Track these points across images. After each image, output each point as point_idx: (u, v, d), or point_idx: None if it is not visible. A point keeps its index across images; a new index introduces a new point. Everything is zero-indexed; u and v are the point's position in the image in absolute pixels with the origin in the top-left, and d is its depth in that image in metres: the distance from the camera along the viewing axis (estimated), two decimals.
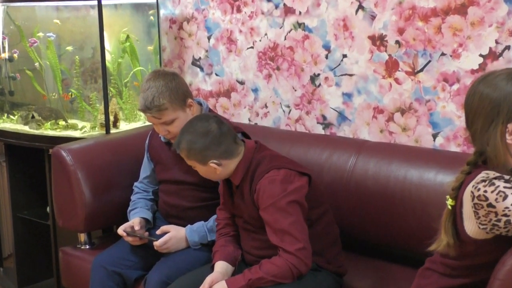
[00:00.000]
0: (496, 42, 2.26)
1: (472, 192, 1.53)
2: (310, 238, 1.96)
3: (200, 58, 3.18)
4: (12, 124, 3.15)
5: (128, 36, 3.09)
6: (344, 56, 2.66)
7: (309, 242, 1.95)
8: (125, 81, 3.12)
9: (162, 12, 3.25)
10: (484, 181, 1.52)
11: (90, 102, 3.06)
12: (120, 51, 3.10)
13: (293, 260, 1.91)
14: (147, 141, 2.55)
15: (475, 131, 1.60)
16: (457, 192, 1.60)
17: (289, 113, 2.90)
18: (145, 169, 2.56)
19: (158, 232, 2.31)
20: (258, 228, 2.05)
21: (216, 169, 2.02)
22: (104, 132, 2.93)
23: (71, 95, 3.05)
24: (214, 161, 2.01)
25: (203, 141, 2.00)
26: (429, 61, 2.43)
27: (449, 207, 1.62)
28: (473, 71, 2.33)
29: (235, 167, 2.05)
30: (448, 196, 1.63)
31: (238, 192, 2.08)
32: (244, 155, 2.06)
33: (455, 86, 2.39)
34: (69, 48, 3.05)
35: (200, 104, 2.43)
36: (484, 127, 1.57)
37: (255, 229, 2.07)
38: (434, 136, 2.47)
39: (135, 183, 2.57)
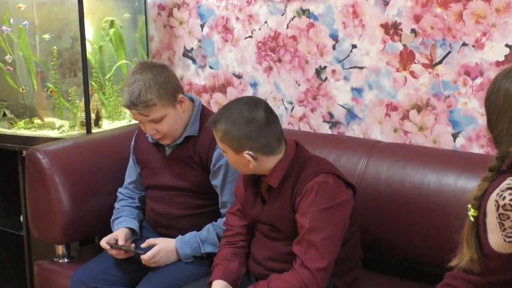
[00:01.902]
0: None
1: (496, 201, 1.54)
2: (335, 260, 1.96)
3: (192, 48, 3.19)
4: None
5: (113, 22, 3.08)
6: (354, 46, 2.67)
7: (333, 264, 1.95)
8: (109, 75, 3.11)
9: None
10: (510, 188, 1.52)
11: (69, 98, 3.06)
12: (103, 39, 3.09)
13: (307, 278, 1.91)
14: (132, 142, 2.55)
15: (500, 133, 1.60)
16: (480, 201, 1.61)
17: (292, 110, 2.90)
18: (131, 173, 2.56)
19: (143, 245, 2.31)
20: (285, 237, 2.04)
21: (250, 162, 2.00)
22: (85, 131, 2.93)
23: (49, 91, 3.04)
24: (250, 152, 1.99)
25: (244, 127, 1.98)
26: (449, 52, 2.44)
27: (471, 218, 1.63)
28: (498, 63, 2.34)
29: (272, 167, 2.03)
30: (469, 206, 1.63)
31: (273, 194, 2.06)
32: (285, 154, 2.04)
33: (478, 80, 2.40)
34: (46, 36, 3.04)
35: (192, 100, 2.43)
36: (511, 128, 1.58)
37: (281, 237, 2.06)
38: (455, 136, 2.48)
39: (119, 189, 2.57)
